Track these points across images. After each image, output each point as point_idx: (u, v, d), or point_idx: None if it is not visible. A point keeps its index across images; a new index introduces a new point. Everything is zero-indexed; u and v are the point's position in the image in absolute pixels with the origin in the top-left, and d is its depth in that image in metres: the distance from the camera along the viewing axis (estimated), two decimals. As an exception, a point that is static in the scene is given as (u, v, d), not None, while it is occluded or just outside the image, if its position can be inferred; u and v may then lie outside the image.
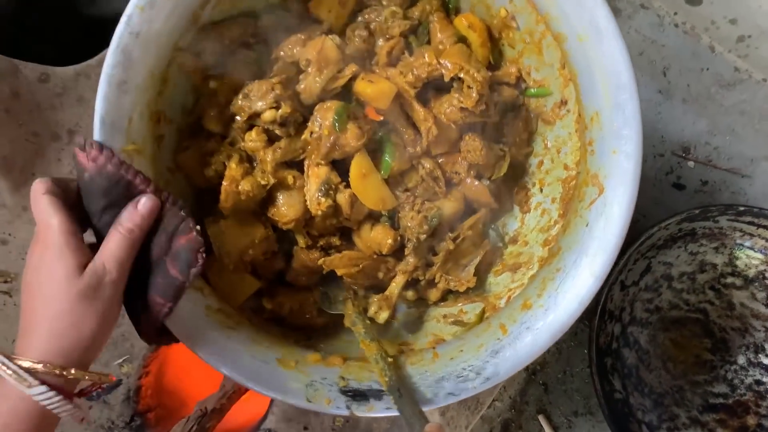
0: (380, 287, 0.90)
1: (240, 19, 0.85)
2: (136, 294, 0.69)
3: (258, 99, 0.81)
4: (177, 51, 0.78)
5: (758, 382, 1.07)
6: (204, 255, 0.69)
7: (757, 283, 1.08)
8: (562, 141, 0.88)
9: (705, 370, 1.08)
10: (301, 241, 0.86)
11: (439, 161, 0.88)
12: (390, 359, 0.78)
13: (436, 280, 0.90)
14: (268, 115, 0.81)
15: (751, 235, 1.06)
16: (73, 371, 0.61)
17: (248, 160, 0.84)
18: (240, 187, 0.80)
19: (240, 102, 0.82)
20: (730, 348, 1.08)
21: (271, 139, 0.84)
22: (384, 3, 0.90)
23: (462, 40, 0.88)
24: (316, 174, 0.82)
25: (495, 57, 0.91)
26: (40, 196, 0.65)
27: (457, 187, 0.90)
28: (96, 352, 0.65)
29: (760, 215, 1.02)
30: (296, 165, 0.85)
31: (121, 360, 1.05)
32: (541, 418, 1.10)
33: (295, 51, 0.84)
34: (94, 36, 1.07)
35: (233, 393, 0.95)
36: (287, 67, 0.85)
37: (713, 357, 1.08)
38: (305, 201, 0.82)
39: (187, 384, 1.12)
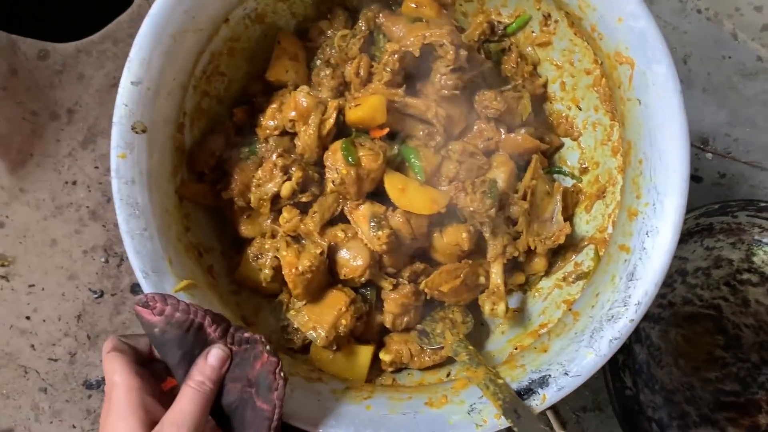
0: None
1: (217, 127, 0.88)
2: None
3: (267, 182, 0.82)
4: (178, 185, 0.82)
5: (771, 381, 1.05)
6: (282, 374, 0.67)
7: (773, 280, 1.06)
8: (569, 51, 0.88)
9: (717, 368, 1.07)
10: (385, 284, 0.85)
11: (464, 140, 0.87)
12: (500, 380, 0.76)
13: (532, 247, 0.87)
14: (285, 189, 0.82)
15: (771, 232, 1.04)
16: None
17: (295, 241, 0.84)
18: (300, 268, 0.79)
19: (256, 194, 0.83)
20: (743, 345, 1.07)
21: (305, 211, 0.84)
22: (330, 34, 0.91)
23: (417, 22, 0.86)
24: (361, 215, 0.81)
25: (459, 21, 0.91)
26: (106, 355, 0.65)
27: (498, 152, 0.88)
28: None
29: (781, 211, 1.00)
30: (340, 219, 0.84)
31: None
32: (549, 413, 1.08)
33: (276, 121, 0.85)
34: (96, 11, 1.04)
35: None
36: (278, 140, 0.86)
37: (725, 354, 1.07)
38: (367, 245, 0.81)
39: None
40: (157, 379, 0.69)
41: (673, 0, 1.16)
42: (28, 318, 1.03)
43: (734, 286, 1.08)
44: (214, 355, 0.66)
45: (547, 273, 0.91)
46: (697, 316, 1.08)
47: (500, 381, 0.75)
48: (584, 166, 0.91)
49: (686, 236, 1.05)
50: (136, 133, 0.73)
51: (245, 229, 0.87)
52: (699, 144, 1.15)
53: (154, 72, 0.73)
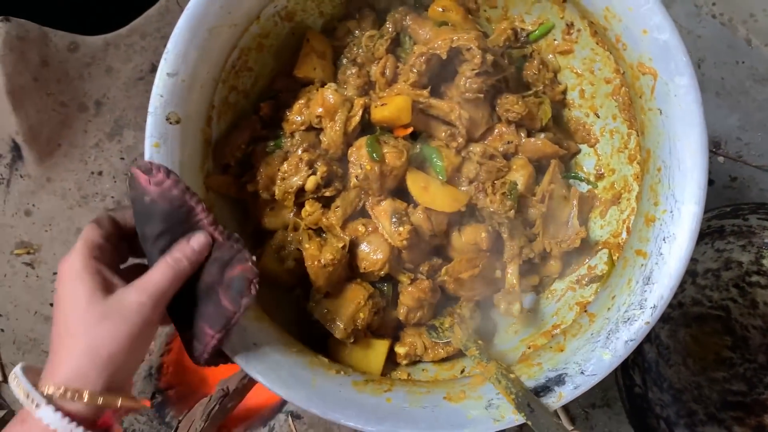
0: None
1: (242, 122, 0.89)
2: (187, 321, 0.69)
3: (293, 175, 0.83)
4: (205, 176, 0.83)
5: (777, 382, 1.07)
6: (257, 286, 0.68)
7: (782, 283, 1.07)
8: (590, 60, 0.89)
9: (724, 368, 1.08)
10: (404, 278, 0.86)
11: (485, 143, 0.88)
12: (512, 375, 0.76)
13: (547, 249, 0.88)
14: (309, 183, 0.83)
15: (781, 235, 1.06)
16: (86, 395, 0.59)
17: (317, 234, 0.86)
18: (323, 261, 0.81)
19: (281, 187, 0.84)
20: (751, 346, 1.08)
21: (327, 205, 0.86)
22: (357, 34, 0.92)
23: (443, 26, 0.88)
24: (383, 210, 0.83)
25: (483, 26, 0.92)
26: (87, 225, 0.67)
27: (517, 155, 0.89)
28: (122, 375, 0.63)
29: (791, 215, 1.01)
30: (361, 214, 0.86)
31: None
32: (559, 409, 1.10)
33: (302, 116, 0.87)
34: (125, 5, 1.06)
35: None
36: (304, 135, 0.87)
37: (733, 354, 1.08)
38: (387, 240, 0.83)
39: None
40: (120, 258, 0.70)
41: (688, 5, 1.18)
42: (52, 305, 1.05)
43: (743, 288, 1.08)
44: (197, 239, 0.67)
45: (561, 275, 0.92)
46: (706, 316, 1.09)
47: (512, 375, 0.76)
48: (600, 172, 0.92)
49: (698, 238, 1.06)
50: (171, 123, 0.74)
51: (268, 222, 0.88)
52: (711, 147, 1.16)
53: (189, 64, 0.75)
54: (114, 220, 0.70)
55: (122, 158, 1.05)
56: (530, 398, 0.72)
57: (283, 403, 1.03)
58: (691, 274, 1.09)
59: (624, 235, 0.84)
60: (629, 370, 1.05)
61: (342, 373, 0.79)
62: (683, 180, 0.72)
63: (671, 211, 0.73)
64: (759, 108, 1.16)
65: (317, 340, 0.87)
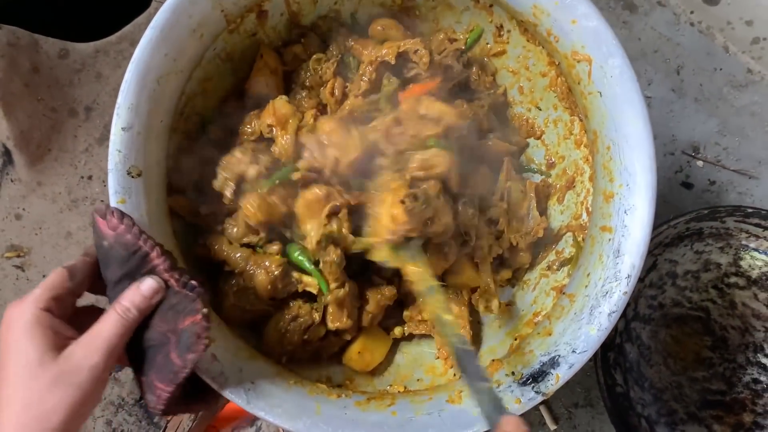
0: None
1: (192, 146, 0.88)
2: (141, 371, 0.67)
3: (235, 164, 0.82)
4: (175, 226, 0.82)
5: (755, 381, 1.08)
6: (206, 342, 0.64)
7: (759, 284, 1.09)
8: (523, 57, 0.92)
9: (704, 368, 1.09)
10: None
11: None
12: (448, 317, 0.76)
13: (515, 243, 0.91)
14: (251, 170, 0.82)
15: (757, 237, 1.07)
16: None
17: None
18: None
19: (221, 175, 0.83)
20: (730, 347, 1.09)
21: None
22: (303, 58, 0.93)
23: (386, 42, 0.90)
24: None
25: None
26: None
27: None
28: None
29: (767, 217, 1.03)
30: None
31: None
32: (542, 408, 1.11)
33: (253, 127, 0.86)
34: (115, 13, 1.07)
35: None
36: (255, 146, 0.86)
37: (713, 355, 1.09)
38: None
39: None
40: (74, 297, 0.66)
41: (667, 13, 1.20)
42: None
43: (722, 289, 1.10)
44: (147, 284, 0.64)
45: (532, 265, 0.95)
46: (685, 317, 1.10)
47: (448, 317, 0.76)
48: (551, 161, 0.95)
49: (677, 240, 1.08)
50: (132, 177, 0.73)
51: (218, 249, 0.86)
52: (690, 152, 1.18)
53: (142, 116, 0.74)
54: (90, 265, 0.67)
55: (112, 163, 1.07)
56: (473, 355, 0.74)
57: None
58: (671, 275, 1.10)
59: (584, 216, 0.87)
60: (611, 370, 1.06)
61: (343, 396, 0.80)
62: (632, 153, 0.75)
63: (627, 184, 0.76)
64: (737, 113, 1.18)
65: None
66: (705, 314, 1.10)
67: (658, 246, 1.08)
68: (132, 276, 0.65)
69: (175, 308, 0.65)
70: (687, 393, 1.09)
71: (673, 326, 1.10)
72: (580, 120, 0.87)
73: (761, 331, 1.09)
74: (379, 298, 0.87)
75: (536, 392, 0.75)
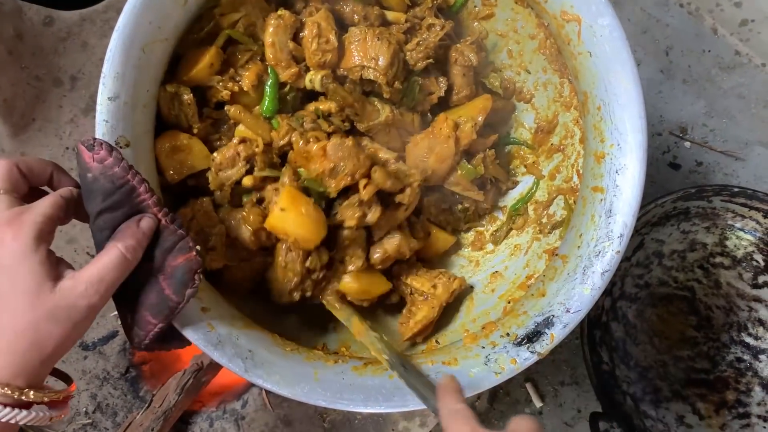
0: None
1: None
2: (128, 307, 0.67)
3: (228, 167, 0.81)
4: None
5: (739, 360, 1.10)
6: (201, 276, 0.66)
7: (744, 264, 1.10)
8: (511, 20, 0.93)
9: (689, 346, 1.10)
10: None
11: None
12: (385, 338, 0.79)
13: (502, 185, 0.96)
14: (246, 181, 0.81)
15: (743, 217, 1.08)
16: (32, 394, 0.58)
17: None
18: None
19: (216, 178, 0.82)
20: (714, 326, 1.10)
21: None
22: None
23: None
24: None
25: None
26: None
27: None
28: (55, 363, 0.61)
29: (753, 197, 1.04)
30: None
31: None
32: (528, 386, 1.12)
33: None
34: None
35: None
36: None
37: (697, 334, 1.10)
38: None
39: (183, 338, 1.12)
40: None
41: (657, -6, 1.21)
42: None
43: (707, 269, 1.11)
44: (147, 222, 0.64)
45: (522, 228, 0.96)
46: (671, 296, 1.11)
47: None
48: (540, 125, 0.96)
49: (664, 219, 1.09)
50: (121, 148, 0.72)
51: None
52: (678, 133, 1.19)
53: (129, 86, 0.73)
54: (79, 195, 0.66)
55: (97, 134, 1.05)
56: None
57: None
58: (657, 255, 1.11)
59: (575, 178, 0.88)
60: (597, 348, 1.07)
61: (340, 361, 0.80)
62: (623, 113, 0.76)
63: (618, 144, 0.77)
64: (724, 95, 1.19)
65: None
66: (690, 294, 1.11)
67: (645, 225, 1.08)
68: (114, 209, 0.64)
69: (162, 245, 0.66)
70: (672, 371, 1.10)
71: (658, 305, 1.11)
72: (570, 82, 0.87)
73: (745, 311, 1.10)
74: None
75: (531, 352, 0.76)
